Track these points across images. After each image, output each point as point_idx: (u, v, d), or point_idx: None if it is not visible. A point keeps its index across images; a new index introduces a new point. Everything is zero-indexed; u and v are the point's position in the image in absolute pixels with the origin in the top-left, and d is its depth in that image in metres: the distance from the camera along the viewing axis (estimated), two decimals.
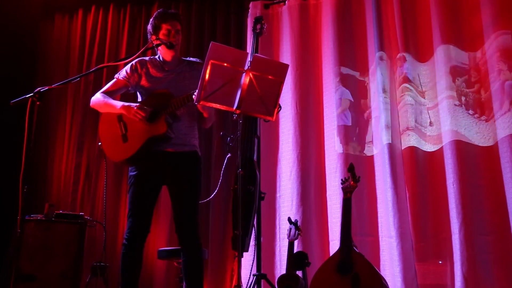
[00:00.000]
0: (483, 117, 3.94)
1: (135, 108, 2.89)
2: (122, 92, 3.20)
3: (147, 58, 3.16)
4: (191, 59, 3.18)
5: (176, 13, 3.14)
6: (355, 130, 4.41)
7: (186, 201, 2.94)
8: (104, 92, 3.08)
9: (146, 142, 2.92)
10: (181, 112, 2.96)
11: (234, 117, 3.20)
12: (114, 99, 3.07)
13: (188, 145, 3.01)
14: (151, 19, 3.10)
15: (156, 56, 3.15)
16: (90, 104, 3.11)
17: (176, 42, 3.04)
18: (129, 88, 3.13)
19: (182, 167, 2.96)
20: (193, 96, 2.73)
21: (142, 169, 2.98)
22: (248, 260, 3.96)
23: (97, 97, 3.07)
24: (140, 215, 2.93)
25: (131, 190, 2.97)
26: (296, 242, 3.81)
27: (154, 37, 3.04)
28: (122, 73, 3.10)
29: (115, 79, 3.12)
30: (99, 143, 3.17)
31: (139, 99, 3.13)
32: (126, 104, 2.96)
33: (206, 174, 4.94)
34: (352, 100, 4.45)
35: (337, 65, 4.46)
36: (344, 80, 4.45)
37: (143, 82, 3.07)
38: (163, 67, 3.10)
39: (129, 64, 3.11)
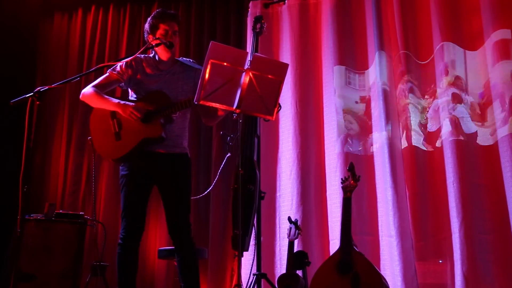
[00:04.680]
0: (483, 117, 3.94)
1: (131, 108, 2.88)
2: (113, 87, 3.15)
3: (142, 56, 3.13)
4: (184, 59, 3.16)
5: (175, 14, 3.12)
6: (355, 129, 4.41)
7: (177, 202, 2.93)
8: (96, 86, 3.01)
9: (140, 143, 2.91)
10: (176, 114, 2.96)
11: (234, 117, 3.20)
12: (105, 93, 3.02)
13: (179, 147, 3.01)
14: (149, 18, 3.09)
15: (151, 55, 3.14)
16: (80, 97, 3.04)
17: (174, 42, 3.03)
18: (121, 84, 3.09)
19: (172, 168, 2.96)
20: (191, 101, 2.74)
21: (133, 169, 2.96)
22: (248, 259, 3.96)
23: (89, 91, 3.00)
24: (133, 215, 2.93)
25: (123, 190, 2.97)
26: (296, 242, 3.81)
27: (151, 36, 3.03)
28: (116, 68, 3.06)
29: (107, 74, 3.06)
30: (89, 137, 3.14)
31: (131, 96, 3.10)
32: (122, 102, 2.94)
33: (206, 173, 4.95)
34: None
35: (337, 64, 4.46)
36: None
37: (138, 80, 3.04)
38: (157, 67, 3.08)
39: (124, 61, 3.06)
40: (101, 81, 3.05)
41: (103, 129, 3.01)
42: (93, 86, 3.02)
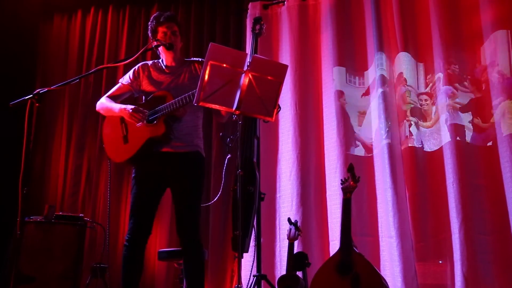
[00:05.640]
0: (482, 118, 3.95)
1: (130, 111, 2.91)
2: (126, 97, 3.22)
3: (150, 62, 3.19)
4: (193, 59, 3.19)
5: (172, 15, 3.13)
6: (356, 130, 4.41)
7: (187, 201, 2.94)
8: (109, 97, 3.13)
9: (146, 142, 2.93)
10: (180, 113, 2.96)
11: (234, 118, 3.20)
12: (118, 103, 3.10)
13: (191, 145, 3.01)
14: (148, 24, 3.12)
15: (160, 60, 3.17)
16: (96, 108, 3.17)
17: (174, 43, 3.04)
18: (133, 92, 3.16)
19: (184, 167, 2.96)
20: (191, 97, 2.75)
21: (144, 170, 2.99)
22: (248, 260, 3.96)
23: (101, 102, 3.12)
24: (141, 216, 2.94)
25: (133, 191, 2.99)
26: (296, 243, 3.80)
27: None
28: (126, 78, 3.14)
29: (119, 84, 3.16)
30: (102, 145, 3.19)
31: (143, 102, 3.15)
32: (123, 106, 2.98)
33: (206, 175, 4.93)
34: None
35: (337, 65, 4.46)
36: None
37: (145, 85, 3.09)
38: (164, 70, 3.11)
39: (132, 69, 3.15)
40: (113, 92, 3.15)
41: (114, 134, 3.06)
42: (106, 97, 3.13)
